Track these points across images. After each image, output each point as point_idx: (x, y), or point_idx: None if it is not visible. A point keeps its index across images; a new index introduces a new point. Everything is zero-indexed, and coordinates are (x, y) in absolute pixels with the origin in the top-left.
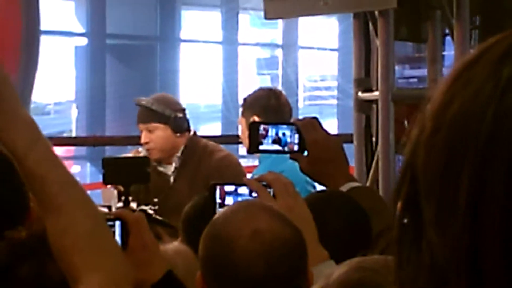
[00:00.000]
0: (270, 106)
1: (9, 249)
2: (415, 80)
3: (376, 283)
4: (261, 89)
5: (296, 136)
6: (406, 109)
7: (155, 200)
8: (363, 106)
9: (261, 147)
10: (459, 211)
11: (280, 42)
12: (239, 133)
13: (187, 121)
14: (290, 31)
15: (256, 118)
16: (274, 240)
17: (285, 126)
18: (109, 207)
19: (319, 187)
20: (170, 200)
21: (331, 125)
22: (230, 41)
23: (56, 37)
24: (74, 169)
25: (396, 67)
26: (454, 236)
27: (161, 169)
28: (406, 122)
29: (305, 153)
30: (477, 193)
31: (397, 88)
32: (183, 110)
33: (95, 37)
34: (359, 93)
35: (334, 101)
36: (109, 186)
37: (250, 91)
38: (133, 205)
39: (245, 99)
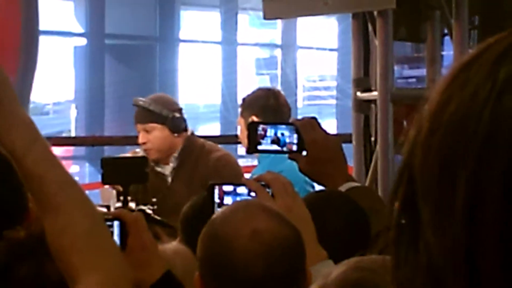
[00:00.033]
0: (268, 106)
1: (8, 249)
2: (414, 80)
3: (374, 283)
4: (259, 89)
5: (295, 136)
6: (405, 109)
7: (154, 200)
8: (362, 106)
9: (260, 147)
10: (456, 212)
11: (279, 42)
12: (238, 133)
13: (185, 121)
14: (289, 31)
15: (255, 118)
16: (273, 240)
17: (284, 126)
18: (108, 207)
19: (318, 187)
20: (168, 200)
21: (330, 125)
22: (229, 41)
23: (55, 37)
24: (73, 169)
25: (395, 67)
26: (451, 236)
27: (158, 169)
28: (405, 122)
29: (304, 153)
30: (474, 194)
31: (396, 88)
32: (180, 110)
33: (94, 37)
34: (358, 93)
35: (333, 101)
36: (107, 186)
37: (249, 91)
38: (132, 205)
39: (243, 99)
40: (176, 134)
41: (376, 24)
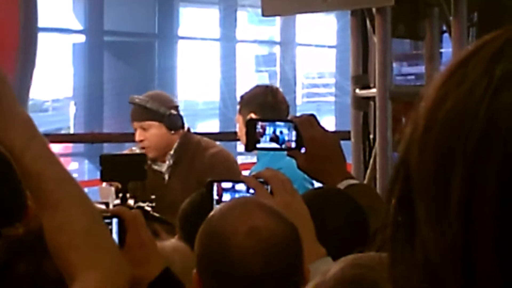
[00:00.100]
0: (267, 104)
1: (7, 246)
2: (412, 77)
3: (372, 280)
4: (258, 87)
5: (294, 133)
6: (403, 106)
7: (153, 197)
8: (361, 103)
9: (258, 145)
10: (452, 209)
11: (278, 39)
12: (237, 130)
13: (182, 118)
14: (288, 28)
15: (253, 116)
16: (271, 237)
17: (282, 124)
18: (107, 204)
19: (317, 184)
20: (166, 198)
21: (329, 122)
22: (228, 38)
23: (54, 34)
24: (72, 166)
25: (394, 64)
26: (447, 233)
27: (155, 167)
28: (403, 119)
29: (303, 150)
30: (470, 191)
31: (394, 85)
32: (176, 107)
33: (93, 34)
34: (357, 90)
35: (332, 98)
36: (104, 184)
37: (248, 88)
38: (131, 202)
39: (242, 97)
40: (173, 132)
41: (374, 21)
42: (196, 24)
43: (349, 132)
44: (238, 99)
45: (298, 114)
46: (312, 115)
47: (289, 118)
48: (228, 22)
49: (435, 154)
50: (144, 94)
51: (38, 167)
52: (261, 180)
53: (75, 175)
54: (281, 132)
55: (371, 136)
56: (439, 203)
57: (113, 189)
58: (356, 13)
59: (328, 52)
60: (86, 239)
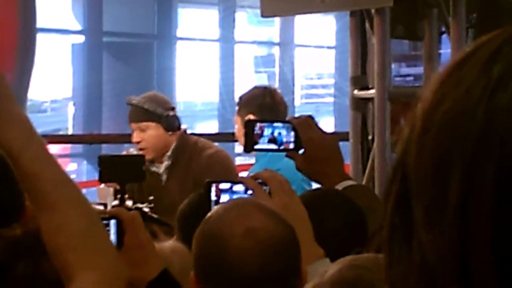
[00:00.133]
0: (265, 105)
1: (4, 247)
2: (411, 78)
3: (370, 281)
4: (256, 88)
5: (292, 134)
6: (402, 107)
7: (151, 198)
8: (359, 104)
9: (257, 146)
10: (449, 210)
11: (277, 40)
12: (236, 131)
13: (179, 119)
14: (286, 29)
15: (252, 117)
16: (268, 238)
17: (280, 125)
18: (105, 205)
19: (315, 186)
20: (163, 199)
21: (327, 123)
22: (227, 39)
23: (53, 35)
24: (71, 167)
25: (393, 65)
26: (444, 235)
27: (153, 168)
28: (402, 120)
29: (301, 151)
30: (468, 192)
31: (393, 86)
32: (173, 108)
33: (92, 35)
34: (355, 91)
35: (331, 99)
36: (103, 185)
37: (247, 89)
38: (129, 203)
39: (240, 98)
40: (170, 133)
41: (373, 22)
42: (195, 25)
43: (347, 133)
44: (237, 100)
45: (296, 115)
46: (310, 116)
47: (287, 119)
48: (227, 23)
49: (433, 155)
50: (141, 95)
51: (36, 168)
52: (260, 181)
53: (73, 176)
54: (279, 134)
55: (370, 137)
56: (436, 204)
57: (111, 190)
58: (355, 14)
59: (327, 53)
60: (84, 240)
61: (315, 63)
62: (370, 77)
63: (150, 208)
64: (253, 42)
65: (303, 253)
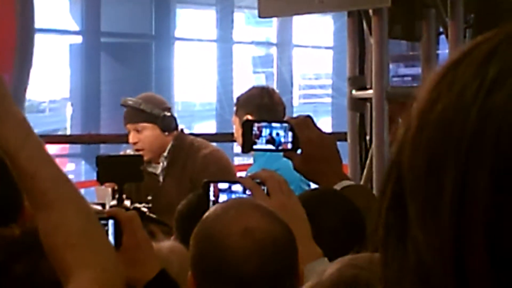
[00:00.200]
0: (263, 105)
1: (3, 247)
2: (409, 78)
3: (368, 281)
4: (254, 88)
5: (290, 134)
6: (400, 107)
7: (149, 198)
8: (357, 105)
9: (255, 146)
10: (444, 209)
11: (274, 40)
12: (234, 131)
13: (175, 119)
14: (284, 29)
15: (250, 117)
16: (265, 238)
17: (278, 125)
18: (103, 205)
19: (314, 186)
20: (160, 200)
21: (325, 123)
22: (224, 40)
23: (51, 35)
24: (69, 167)
25: (391, 66)
26: (439, 234)
27: (150, 169)
28: (400, 120)
29: (299, 151)
30: (462, 191)
31: (391, 86)
32: (169, 109)
33: (90, 35)
34: (353, 92)
35: (329, 100)
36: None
37: (245, 89)
38: (127, 203)
39: (238, 98)
40: (167, 133)
41: (371, 22)
42: (193, 25)
43: (345, 133)
44: (235, 100)
45: (294, 115)
46: (308, 116)
47: (285, 119)
48: (225, 23)
49: (427, 154)
50: (136, 96)
51: (33, 167)
52: (258, 181)
53: (71, 176)
54: (277, 134)
55: (368, 137)
56: (430, 203)
57: (109, 190)
58: (353, 14)
59: (325, 53)
60: (81, 239)
61: (313, 64)
62: (368, 78)
63: (148, 208)
64: (251, 43)
65: (301, 252)
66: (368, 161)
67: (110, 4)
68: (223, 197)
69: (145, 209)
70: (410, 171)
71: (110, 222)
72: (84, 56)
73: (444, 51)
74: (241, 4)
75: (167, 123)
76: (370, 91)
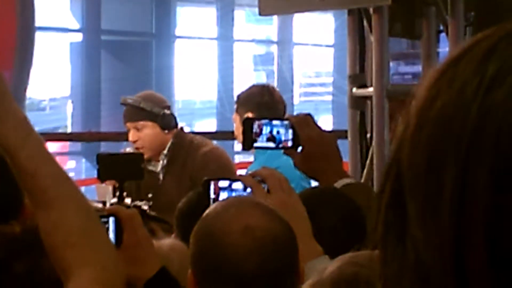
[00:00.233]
0: (263, 103)
1: (4, 244)
2: (409, 76)
3: (369, 279)
4: (254, 86)
5: (290, 131)
6: (401, 105)
7: (149, 195)
8: (358, 102)
9: (255, 144)
10: (444, 208)
11: (275, 38)
12: (234, 129)
13: (175, 117)
14: (285, 27)
15: (250, 115)
16: (266, 236)
17: (279, 123)
18: (104, 203)
19: (314, 184)
20: (161, 198)
21: (326, 121)
22: (225, 38)
23: (51, 33)
24: (69, 164)
25: (391, 64)
26: (438, 232)
27: (150, 167)
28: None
29: (299, 149)
30: (462, 189)
31: (391, 84)
32: (169, 107)
33: (90, 33)
34: (354, 90)
35: (330, 97)
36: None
37: (245, 87)
38: (128, 201)
39: (238, 96)
40: (166, 131)
41: (371, 20)
42: (193, 23)
43: (346, 131)
44: (235, 98)
45: (295, 113)
46: (309, 114)
47: (285, 117)
48: (226, 21)
49: (427, 151)
50: (135, 94)
51: (33, 165)
52: (258, 179)
53: (72, 174)
54: (277, 132)
55: (368, 135)
56: (430, 201)
57: (110, 188)
58: (353, 12)
59: (326, 51)
60: (82, 237)
61: (314, 62)
62: (369, 76)
63: (149, 206)
64: (252, 41)
65: (301, 250)
66: (368, 159)
67: (110, 2)
68: (223, 195)
69: (145, 207)
70: (409, 169)
71: (111, 219)
72: (84, 54)
73: (444, 49)
74: (241, 2)
75: (167, 121)
76: (371, 89)
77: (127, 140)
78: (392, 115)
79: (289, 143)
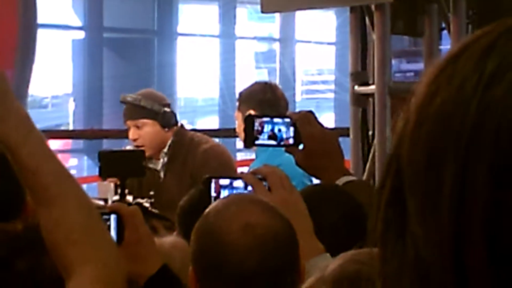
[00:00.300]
0: (266, 100)
1: (6, 242)
2: (411, 74)
3: (370, 276)
4: (256, 83)
5: (291, 129)
6: (402, 102)
7: (151, 193)
8: (360, 100)
9: (257, 142)
10: (443, 204)
11: (277, 36)
12: (236, 127)
13: (175, 115)
14: (287, 25)
15: (252, 113)
16: (266, 234)
17: (280, 121)
18: (106, 200)
19: (316, 181)
20: (162, 196)
21: (328, 119)
22: (227, 35)
23: (53, 31)
24: (71, 162)
25: (393, 61)
26: (438, 228)
27: (150, 165)
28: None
29: (301, 146)
30: (462, 185)
31: (393, 82)
32: (169, 105)
33: (92, 31)
34: (356, 87)
35: (331, 95)
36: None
37: (247, 85)
38: (129, 198)
39: (240, 94)
40: (167, 129)
41: (373, 17)
42: (195, 20)
43: (348, 128)
44: (237, 95)
45: (297, 110)
46: (310, 112)
47: (287, 114)
48: (228, 18)
49: (426, 148)
50: (135, 92)
51: (35, 162)
52: (259, 176)
53: (74, 172)
54: (279, 130)
55: (370, 133)
56: (430, 197)
57: (112, 185)
58: (355, 10)
59: (328, 48)
60: (83, 235)
61: (316, 59)
62: (370, 73)
63: (151, 203)
64: (254, 38)
65: (303, 248)
66: (370, 157)
67: None
68: (224, 193)
69: (147, 204)
70: (409, 166)
71: (112, 217)
72: (86, 51)
73: (446, 46)
74: (243, 0)
75: (167, 119)
76: (373, 87)
77: (128, 137)
78: (394, 112)
79: (291, 141)
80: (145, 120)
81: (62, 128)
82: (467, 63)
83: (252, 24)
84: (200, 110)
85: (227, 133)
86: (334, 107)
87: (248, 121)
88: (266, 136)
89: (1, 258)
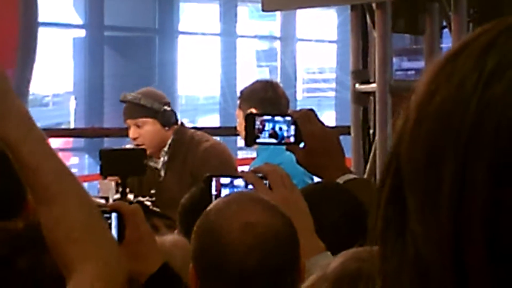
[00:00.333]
0: (267, 99)
1: (7, 240)
2: (412, 72)
3: (371, 274)
4: (257, 82)
5: (292, 127)
6: (401, 100)
7: (152, 191)
8: (361, 98)
9: (258, 140)
10: (443, 203)
11: (278, 34)
12: (237, 125)
13: (175, 114)
14: (288, 23)
15: (253, 111)
16: (267, 232)
17: (281, 119)
18: (107, 199)
19: (317, 179)
20: (162, 194)
21: (329, 117)
22: (228, 33)
23: (54, 29)
24: (73, 160)
25: (394, 59)
26: (437, 226)
27: (151, 164)
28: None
29: (302, 144)
30: (461, 183)
31: (394, 80)
32: (169, 103)
33: (93, 29)
34: (357, 85)
35: (333, 93)
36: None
37: (248, 83)
38: (130, 196)
39: (241, 92)
40: (167, 128)
41: (374, 16)
42: (196, 19)
43: (349, 127)
44: (239, 94)
45: (298, 109)
46: (311, 110)
47: (288, 113)
48: (229, 17)
49: (426, 146)
50: (135, 91)
51: (35, 160)
52: (260, 175)
53: (75, 170)
54: (280, 128)
55: (371, 131)
56: (429, 197)
57: (113, 184)
58: (356, 8)
59: (329, 47)
60: (84, 233)
61: (317, 57)
62: (372, 71)
63: (152, 201)
64: (255, 36)
65: (303, 246)
66: (371, 155)
67: None
68: (225, 192)
69: (148, 203)
70: (408, 164)
71: (113, 215)
72: (87, 50)
73: (447, 45)
74: None
75: (167, 118)
76: (374, 85)
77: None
78: (395, 110)
79: (292, 139)
80: (145, 119)
81: (63, 126)
82: (466, 61)
83: (253, 22)
84: (201, 108)
85: (228, 131)
86: (335, 105)
87: (249, 120)
88: (267, 135)
89: (2, 257)
